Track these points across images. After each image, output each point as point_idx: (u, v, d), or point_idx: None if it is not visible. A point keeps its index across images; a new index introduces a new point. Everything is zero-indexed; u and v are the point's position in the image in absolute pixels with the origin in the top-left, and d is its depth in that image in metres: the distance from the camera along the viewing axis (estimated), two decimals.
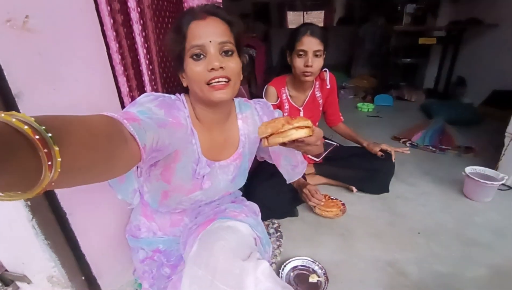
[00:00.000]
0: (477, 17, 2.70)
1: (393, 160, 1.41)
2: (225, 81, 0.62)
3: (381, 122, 2.58)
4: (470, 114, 2.40)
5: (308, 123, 0.54)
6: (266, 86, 1.37)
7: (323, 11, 6.45)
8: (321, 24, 6.32)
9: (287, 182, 0.91)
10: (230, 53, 0.63)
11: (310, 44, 1.17)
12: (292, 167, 0.89)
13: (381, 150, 1.41)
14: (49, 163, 0.25)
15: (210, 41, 0.60)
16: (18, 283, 0.95)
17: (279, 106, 1.36)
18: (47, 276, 0.88)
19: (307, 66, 1.19)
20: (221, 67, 0.60)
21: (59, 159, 0.26)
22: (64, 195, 0.75)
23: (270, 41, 5.52)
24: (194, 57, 0.61)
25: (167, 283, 0.78)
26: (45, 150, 0.25)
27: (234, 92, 0.66)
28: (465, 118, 2.33)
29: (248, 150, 0.83)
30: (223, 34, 0.62)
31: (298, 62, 1.21)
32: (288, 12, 6.43)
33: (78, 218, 0.80)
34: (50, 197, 0.74)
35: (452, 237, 1.14)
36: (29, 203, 0.71)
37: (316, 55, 1.19)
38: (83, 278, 0.86)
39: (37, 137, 0.25)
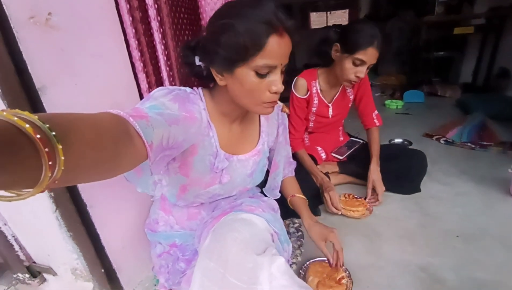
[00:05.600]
0: None
1: (379, 202, 1.27)
2: None
3: (411, 119, 2.42)
4: None
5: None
6: (296, 78, 1.30)
7: (347, 10, 6.28)
8: (346, 22, 6.16)
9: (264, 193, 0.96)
10: (284, 72, 0.63)
11: (372, 57, 1.07)
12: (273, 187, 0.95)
13: (373, 189, 1.28)
14: (50, 163, 0.25)
15: (281, 64, 0.59)
16: (45, 275, 0.99)
17: (308, 100, 1.30)
18: (71, 269, 0.91)
19: (357, 77, 1.11)
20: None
21: (63, 158, 0.26)
22: (84, 188, 0.77)
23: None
24: (261, 73, 0.57)
25: (181, 278, 0.77)
26: (46, 149, 0.25)
27: None
28: (509, 114, 2.10)
29: (268, 147, 0.83)
30: (289, 56, 0.61)
31: (351, 69, 1.10)
32: (311, 13, 6.35)
33: (98, 211, 0.82)
34: (71, 189, 0.77)
35: (496, 241, 1.01)
36: (52, 194, 0.74)
37: (368, 67, 1.10)
38: (102, 271, 0.87)
39: (38, 136, 0.24)
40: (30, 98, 0.64)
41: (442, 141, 1.85)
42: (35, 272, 0.97)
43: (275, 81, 0.59)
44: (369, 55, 1.05)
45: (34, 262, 0.96)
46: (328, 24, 6.31)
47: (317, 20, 6.50)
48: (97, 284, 0.89)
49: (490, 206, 1.21)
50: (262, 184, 0.96)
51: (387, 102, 2.80)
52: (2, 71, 0.59)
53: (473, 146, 1.74)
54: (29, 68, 0.63)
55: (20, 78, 0.62)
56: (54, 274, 0.95)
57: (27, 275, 0.96)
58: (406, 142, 1.85)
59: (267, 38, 0.54)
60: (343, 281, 0.89)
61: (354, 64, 1.08)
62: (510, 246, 0.99)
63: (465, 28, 2.66)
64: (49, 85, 0.67)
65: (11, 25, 0.59)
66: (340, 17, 6.47)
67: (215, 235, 0.64)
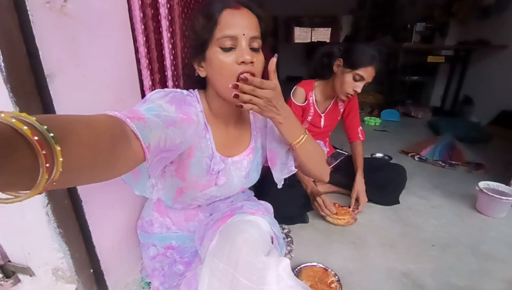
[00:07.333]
0: (485, 38, 2.76)
1: (358, 211, 1.35)
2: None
3: (388, 136, 2.59)
4: (478, 132, 2.40)
5: None
6: (295, 87, 1.36)
7: (329, 29, 6.61)
8: (327, 41, 6.47)
9: (278, 186, 0.85)
10: (257, 49, 0.61)
11: (370, 75, 1.16)
12: (283, 167, 0.82)
13: (356, 199, 1.37)
14: (47, 165, 0.25)
15: (244, 34, 0.58)
16: (20, 276, 0.92)
17: (304, 108, 1.36)
18: (52, 269, 0.85)
19: (355, 91, 1.18)
20: (251, 62, 0.58)
21: (61, 159, 0.26)
22: None
23: (277, 54, 5.63)
24: (224, 48, 0.58)
25: (180, 280, 0.75)
26: (44, 152, 0.25)
27: None
28: (474, 136, 2.33)
29: (261, 144, 0.82)
30: (255, 28, 0.60)
31: (350, 83, 1.18)
32: (295, 28, 6.59)
33: (93, 208, 0.78)
34: None
35: (467, 250, 1.11)
36: None
37: (364, 84, 1.19)
38: (91, 271, 0.83)
39: (36, 138, 0.24)
40: (38, 84, 0.61)
41: (416, 158, 2.00)
42: (9, 272, 0.89)
43: (241, 52, 0.58)
44: (368, 72, 1.15)
45: (9, 261, 0.89)
46: (312, 40, 6.58)
47: (301, 35, 6.75)
48: (81, 286, 0.83)
49: (461, 219, 1.32)
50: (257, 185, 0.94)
51: (366, 118, 2.97)
52: (13, 53, 0.56)
53: (443, 164, 1.90)
54: (40, 53, 0.60)
55: (30, 62, 0.59)
56: (32, 274, 0.88)
57: (0, 275, 0.88)
58: (386, 157, 1.98)
59: (220, 12, 0.58)
60: (333, 285, 0.93)
61: (354, 79, 1.17)
62: (479, 254, 1.09)
63: (437, 57, 2.93)
64: (57, 73, 0.64)
65: (27, 7, 0.57)
66: (323, 34, 6.78)
67: (223, 235, 0.64)
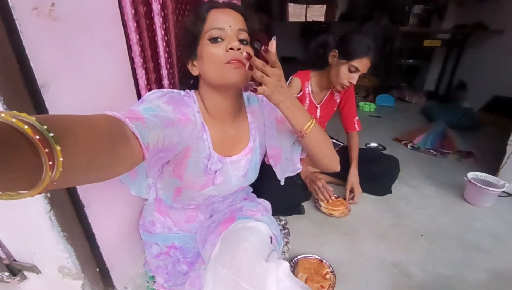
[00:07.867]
0: (483, 22, 2.72)
1: (353, 202, 1.40)
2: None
3: (382, 122, 2.61)
4: (470, 119, 2.44)
5: None
6: (291, 77, 1.34)
7: (324, 5, 6.39)
8: (322, 19, 6.27)
9: (281, 183, 0.84)
10: (245, 42, 0.64)
11: (365, 66, 1.16)
12: (288, 164, 0.81)
13: (351, 191, 1.41)
14: (50, 163, 0.25)
15: (230, 26, 0.62)
16: (26, 273, 0.94)
17: (300, 99, 1.35)
18: (58, 267, 0.88)
19: (350, 82, 1.18)
20: (239, 49, 0.60)
21: (61, 159, 0.26)
22: (83, 188, 0.75)
23: (271, 34, 5.47)
24: (212, 40, 0.62)
25: (184, 280, 0.78)
26: (46, 150, 0.25)
27: (247, 77, 0.64)
28: (465, 124, 2.37)
29: (259, 143, 0.81)
30: (241, 23, 0.64)
31: (345, 74, 1.17)
32: (289, 4, 6.35)
33: (95, 211, 0.80)
34: (70, 189, 0.74)
35: (453, 240, 1.18)
36: (48, 195, 0.70)
37: (360, 75, 1.18)
38: (97, 270, 0.86)
39: (37, 137, 0.24)
40: (33, 97, 0.60)
41: (409, 146, 2.05)
42: (15, 270, 0.92)
43: (229, 40, 0.61)
44: (364, 64, 1.15)
45: (15, 260, 0.91)
46: (307, 20, 6.37)
47: (295, 12, 6.53)
48: (88, 282, 0.87)
49: (449, 209, 1.39)
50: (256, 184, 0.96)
51: (361, 104, 2.98)
52: (4, 65, 0.54)
53: (434, 152, 1.95)
54: (31, 63, 0.58)
55: (21, 72, 0.58)
56: (38, 272, 0.91)
57: (6, 273, 0.90)
58: (380, 147, 2.01)
59: (208, 11, 0.64)
60: (327, 276, 0.98)
61: (349, 71, 1.17)
62: (464, 245, 1.16)
63: (434, 41, 2.90)
64: (51, 82, 0.63)
65: (14, 16, 0.54)
66: (318, 11, 6.57)
67: (225, 242, 0.66)
